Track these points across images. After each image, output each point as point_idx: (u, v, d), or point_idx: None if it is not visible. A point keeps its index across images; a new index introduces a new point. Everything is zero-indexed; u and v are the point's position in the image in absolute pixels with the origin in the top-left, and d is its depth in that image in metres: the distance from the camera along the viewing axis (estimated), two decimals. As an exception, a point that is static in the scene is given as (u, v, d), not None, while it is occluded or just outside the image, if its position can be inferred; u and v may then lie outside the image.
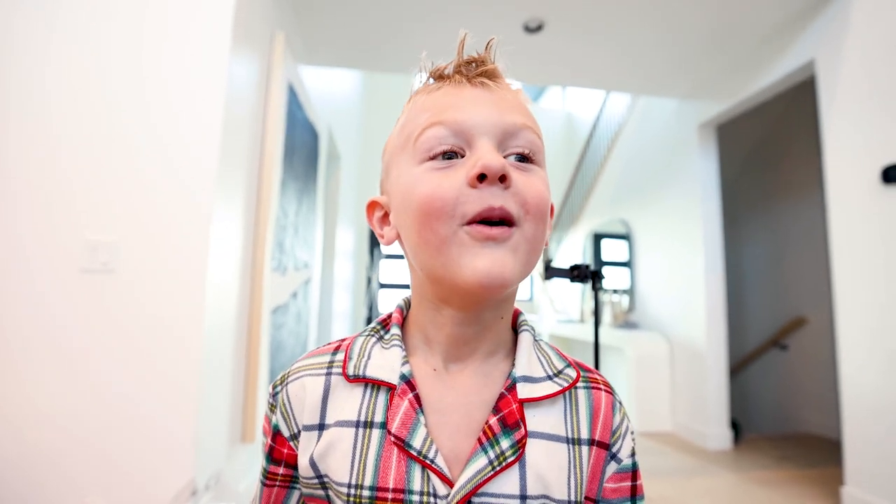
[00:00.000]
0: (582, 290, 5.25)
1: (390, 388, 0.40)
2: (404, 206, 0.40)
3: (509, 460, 0.37)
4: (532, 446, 0.38)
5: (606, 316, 4.46)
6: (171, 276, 1.51)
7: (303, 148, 2.64)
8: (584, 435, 0.41)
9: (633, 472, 0.43)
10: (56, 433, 1.40)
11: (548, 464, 0.38)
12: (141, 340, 1.47)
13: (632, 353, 3.68)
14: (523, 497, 0.37)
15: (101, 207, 1.50)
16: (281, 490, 0.44)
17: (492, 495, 0.36)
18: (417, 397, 0.39)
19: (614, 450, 0.42)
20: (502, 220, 0.37)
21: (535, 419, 0.39)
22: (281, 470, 0.44)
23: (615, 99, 5.30)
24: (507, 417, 0.38)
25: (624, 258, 4.53)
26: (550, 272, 1.43)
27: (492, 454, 0.37)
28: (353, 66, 3.28)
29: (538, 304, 6.91)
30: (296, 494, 0.44)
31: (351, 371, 0.41)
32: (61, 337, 1.44)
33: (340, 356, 0.43)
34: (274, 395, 0.44)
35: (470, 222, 0.36)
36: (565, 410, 0.41)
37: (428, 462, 0.37)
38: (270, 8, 2.11)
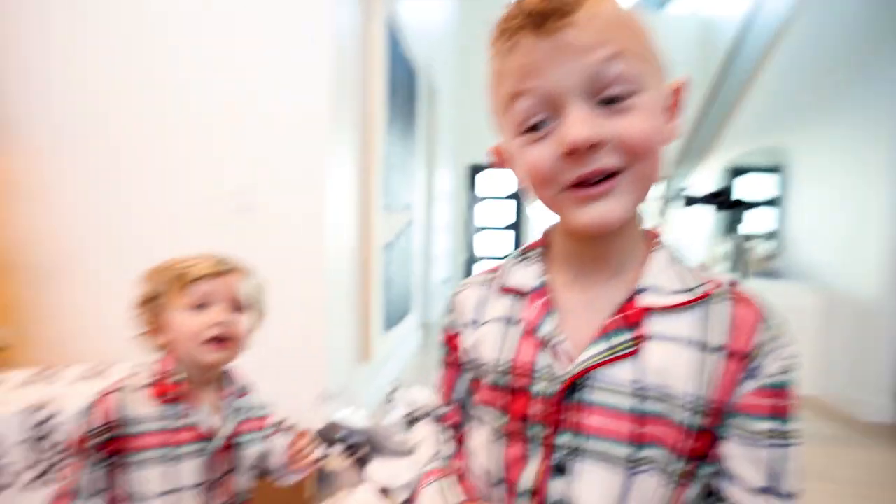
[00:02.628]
0: (712, 231, 4.70)
1: (529, 294, 0.48)
2: (516, 170, 0.47)
3: (623, 352, 0.42)
4: (653, 346, 0.42)
5: (739, 263, 3.93)
6: (297, 213, 1.67)
7: (403, 86, 2.67)
8: (717, 342, 0.42)
9: (778, 391, 0.42)
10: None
11: (669, 362, 0.42)
12: (276, 271, 1.65)
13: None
14: (636, 385, 0.42)
15: (238, 155, 1.68)
16: (453, 371, 0.56)
17: (605, 380, 0.43)
18: (549, 301, 0.47)
19: (754, 364, 0.42)
20: (604, 175, 0.40)
21: (660, 324, 0.43)
22: (452, 356, 0.56)
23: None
24: (627, 318, 0.43)
25: (770, 195, 3.86)
26: (690, 200, 1.31)
27: (606, 345, 0.43)
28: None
29: None
30: (466, 375, 0.54)
31: (500, 284, 0.51)
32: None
33: (494, 275, 0.54)
34: (450, 301, 0.56)
35: (570, 187, 0.41)
36: (698, 319, 0.43)
37: (551, 347, 0.45)
38: (368, -57, 2.10)
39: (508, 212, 6.91)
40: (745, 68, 4.51)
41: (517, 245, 6.94)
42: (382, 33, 2.17)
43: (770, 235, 3.80)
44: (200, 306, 0.74)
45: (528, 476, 0.44)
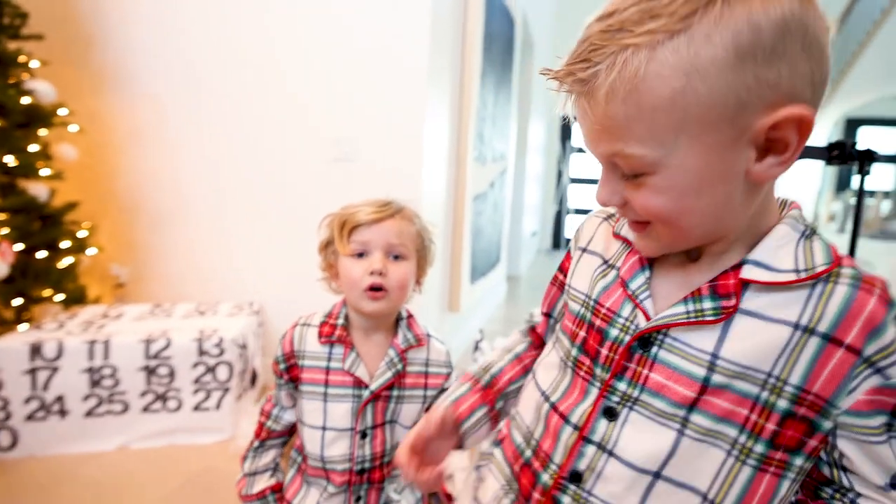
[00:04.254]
0: (820, 188, 4.25)
1: (633, 247, 0.48)
2: None
3: (706, 318, 0.40)
4: (744, 320, 0.40)
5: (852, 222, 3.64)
6: (396, 164, 1.75)
7: (499, 37, 2.61)
8: (823, 328, 0.39)
9: (893, 388, 0.39)
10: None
11: (760, 339, 0.39)
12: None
13: (885, 269, 3.02)
14: (715, 356, 0.40)
15: (340, 107, 1.77)
16: (557, 289, 0.60)
17: (684, 343, 0.41)
18: (643, 259, 0.47)
19: (878, 363, 0.38)
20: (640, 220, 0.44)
21: (759, 300, 0.40)
22: (561, 275, 0.59)
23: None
24: (720, 287, 0.41)
25: (892, 150, 3.53)
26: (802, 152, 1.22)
27: (691, 307, 0.41)
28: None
29: None
30: (564, 297, 0.57)
31: (616, 229, 0.51)
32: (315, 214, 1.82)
33: (615, 217, 0.54)
34: (579, 225, 0.58)
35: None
36: (807, 299, 0.39)
37: (637, 300, 0.45)
38: None
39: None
40: (871, 12, 3.98)
41: (611, 200, 6.66)
42: (481, -20, 2.12)
43: (888, 194, 3.47)
44: (361, 254, 0.73)
45: (579, 411, 0.45)
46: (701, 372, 0.40)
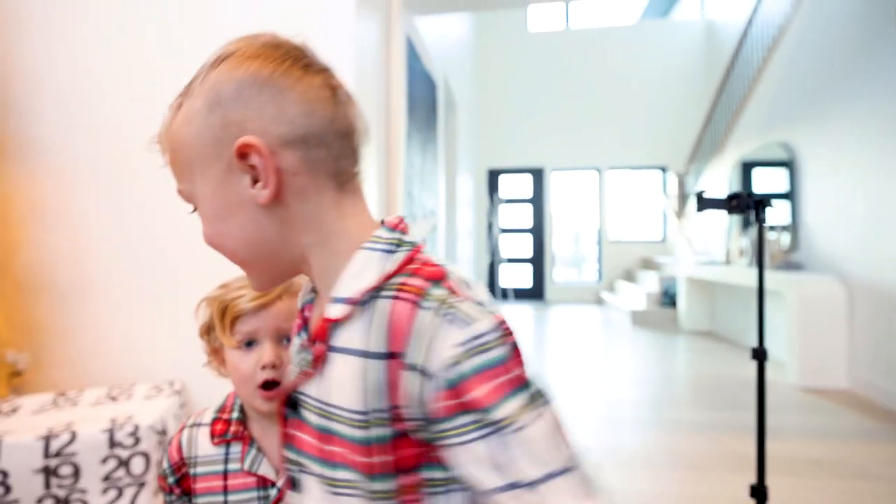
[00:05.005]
0: (728, 226, 4.71)
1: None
2: None
3: (308, 370, 0.42)
4: (335, 360, 0.40)
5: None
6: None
7: (422, 99, 2.73)
8: (378, 347, 0.38)
9: (457, 388, 0.35)
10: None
11: (343, 376, 0.39)
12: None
13: (794, 297, 3.22)
14: (318, 402, 0.41)
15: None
16: None
17: (307, 395, 0.43)
18: (304, 317, 0.48)
19: (416, 362, 0.36)
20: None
21: (343, 336, 0.40)
22: None
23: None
24: (313, 334, 0.42)
25: (783, 189, 3.89)
26: (703, 203, 1.32)
27: (301, 357, 0.44)
28: (465, 7, 3.23)
29: (672, 245, 6.42)
30: None
31: None
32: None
33: None
34: None
35: None
36: (365, 324, 0.39)
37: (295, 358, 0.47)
38: (385, -37, 2.16)
39: (528, 215, 6.92)
40: (749, 68, 4.62)
41: (537, 247, 6.94)
42: (402, 49, 2.23)
43: (786, 228, 3.81)
44: (249, 344, 0.64)
45: (278, 488, 0.48)
46: (318, 422, 0.41)
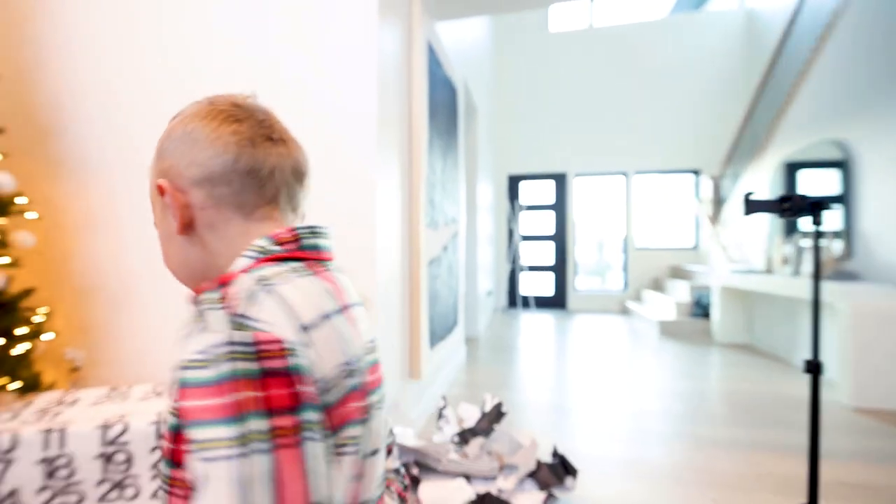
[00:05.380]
0: (770, 233, 4.45)
1: None
2: None
3: None
4: None
5: (807, 265, 3.55)
6: (349, 235, 1.72)
7: (443, 105, 2.71)
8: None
9: (178, 389, 0.39)
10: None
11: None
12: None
13: (848, 309, 2.91)
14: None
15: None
16: None
17: None
18: None
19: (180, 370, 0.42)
20: None
21: None
22: None
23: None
24: None
25: (834, 192, 3.54)
26: (751, 206, 1.16)
27: None
28: (485, 10, 3.19)
29: (705, 253, 6.11)
30: None
31: None
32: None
33: None
34: None
35: None
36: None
37: None
38: (406, -31, 2.16)
39: (550, 222, 6.84)
40: (796, 61, 4.23)
41: (559, 254, 6.85)
42: (423, 55, 2.22)
43: (837, 234, 3.46)
44: None
45: None
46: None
